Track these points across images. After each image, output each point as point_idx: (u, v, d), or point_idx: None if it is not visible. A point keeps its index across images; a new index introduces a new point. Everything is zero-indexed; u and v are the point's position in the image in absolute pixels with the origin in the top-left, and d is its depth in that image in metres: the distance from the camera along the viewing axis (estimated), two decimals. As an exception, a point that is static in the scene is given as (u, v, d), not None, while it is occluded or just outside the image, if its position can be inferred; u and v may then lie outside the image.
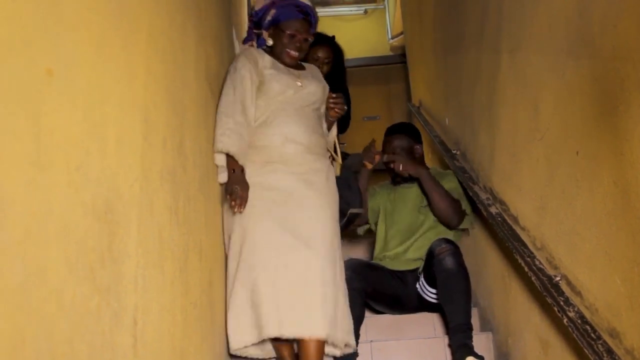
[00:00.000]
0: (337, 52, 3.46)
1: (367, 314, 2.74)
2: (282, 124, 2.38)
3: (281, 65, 2.52)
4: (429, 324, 2.81)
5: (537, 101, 1.91)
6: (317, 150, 2.45)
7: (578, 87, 1.61)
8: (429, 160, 3.89)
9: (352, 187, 2.74)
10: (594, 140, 1.53)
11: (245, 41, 2.67)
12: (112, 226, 1.10)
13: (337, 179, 2.58)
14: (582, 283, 1.66)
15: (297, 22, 2.50)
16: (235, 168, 2.24)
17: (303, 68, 2.66)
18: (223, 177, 2.27)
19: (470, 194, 2.68)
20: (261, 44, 2.61)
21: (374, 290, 2.76)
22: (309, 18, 2.54)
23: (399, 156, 2.92)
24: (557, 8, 1.75)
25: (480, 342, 2.59)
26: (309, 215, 2.28)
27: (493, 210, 2.38)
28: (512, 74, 2.19)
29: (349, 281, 2.41)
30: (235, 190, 2.19)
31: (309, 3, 2.57)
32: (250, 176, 2.30)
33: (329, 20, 7.20)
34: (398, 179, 3.00)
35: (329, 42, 3.42)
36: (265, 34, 2.56)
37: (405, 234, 2.91)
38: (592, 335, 1.54)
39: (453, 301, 2.48)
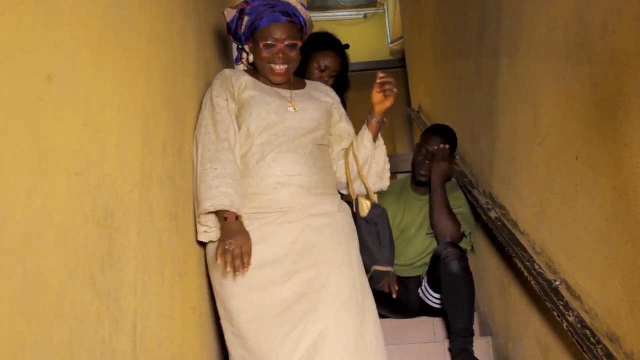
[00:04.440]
0: (345, 65, 2.71)
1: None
2: (271, 163, 1.84)
3: (266, 86, 1.97)
4: (429, 328, 2.81)
5: (536, 106, 1.92)
6: (322, 190, 1.91)
7: (577, 93, 1.61)
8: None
9: (381, 239, 2.10)
10: (593, 145, 1.53)
11: (236, 61, 2.16)
12: (112, 232, 1.10)
13: (365, 225, 2.07)
14: (582, 288, 1.65)
15: (277, 28, 1.91)
16: (228, 215, 1.71)
17: (301, 86, 2.08)
18: (207, 235, 1.79)
19: (470, 198, 2.68)
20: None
21: (376, 292, 2.75)
22: (295, 19, 1.95)
23: (450, 159, 2.74)
24: (556, 13, 1.75)
25: (480, 346, 2.59)
26: (318, 274, 1.77)
27: (493, 214, 2.38)
28: (511, 79, 2.19)
29: None
30: (230, 245, 1.66)
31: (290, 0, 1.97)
32: None
33: (328, 25, 7.19)
34: (419, 178, 2.83)
35: (341, 52, 2.69)
36: (247, 49, 2.01)
37: (413, 253, 2.86)
38: (592, 339, 1.53)
39: (456, 306, 2.47)
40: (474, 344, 2.43)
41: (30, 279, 0.80)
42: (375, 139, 2.05)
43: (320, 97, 2.06)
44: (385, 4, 7.84)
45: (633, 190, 1.34)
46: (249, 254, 1.68)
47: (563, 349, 1.86)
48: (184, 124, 1.74)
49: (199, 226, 1.78)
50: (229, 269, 1.64)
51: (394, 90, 1.97)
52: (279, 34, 1.90)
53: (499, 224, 2.29)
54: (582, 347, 1.56)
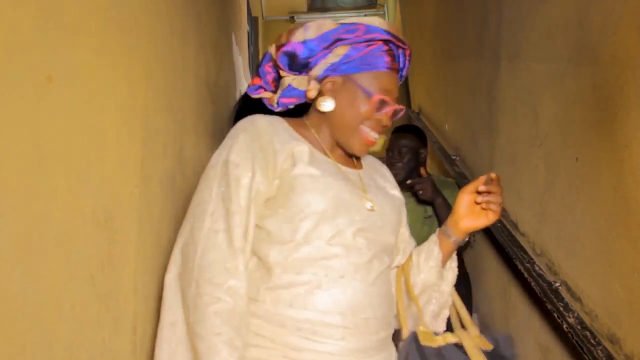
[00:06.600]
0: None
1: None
2: (324, 292, 1.16)
3: (323, 157, 1.28)
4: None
5: (536, 108, 1.92)
6: (386, 333, 1.27)
7: (577, 94, 1.61)
8: (429, 165, 3.89)
9: None
10: (593, 146, 1.53)
11: (250, 90, 1.39)
12: (112, 233, 1.09)
13: None
14: (582, 289, 1.65)
15: (393, 80, 1.29)
16: None
17: (358, 163, 1.40)
18: None
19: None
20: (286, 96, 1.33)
21: None
22: (400, 73, 1.34)
23: (425, 181, 2.58)
24: (556, 15, 1.75)
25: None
26: None
27: (493, 216, 2.37)
28: (511, 80, 2.19)
29: None
30: None
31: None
32: None
33: (328, 26, 7.22)
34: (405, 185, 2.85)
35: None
36: (305, 81, 1.30)
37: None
38: (592, 341, 1.53)
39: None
40: (474, 345, 2.43)
41: (30, 280, 0.80)
42: (444, 263, 1.38)
43: (387, 187, 1.39)
44: (385, 5, 7.84)
45: (633, 191, 1.34)
46: None
47: (563, 350, 1.86)
48: (184, 125, 1.73)
49: None
50: None
51: (501, 203, 1.28)
52: (393, 88, 1.26)
53: (498, 225, 2.29)
54: (582, 349, 1.56)
